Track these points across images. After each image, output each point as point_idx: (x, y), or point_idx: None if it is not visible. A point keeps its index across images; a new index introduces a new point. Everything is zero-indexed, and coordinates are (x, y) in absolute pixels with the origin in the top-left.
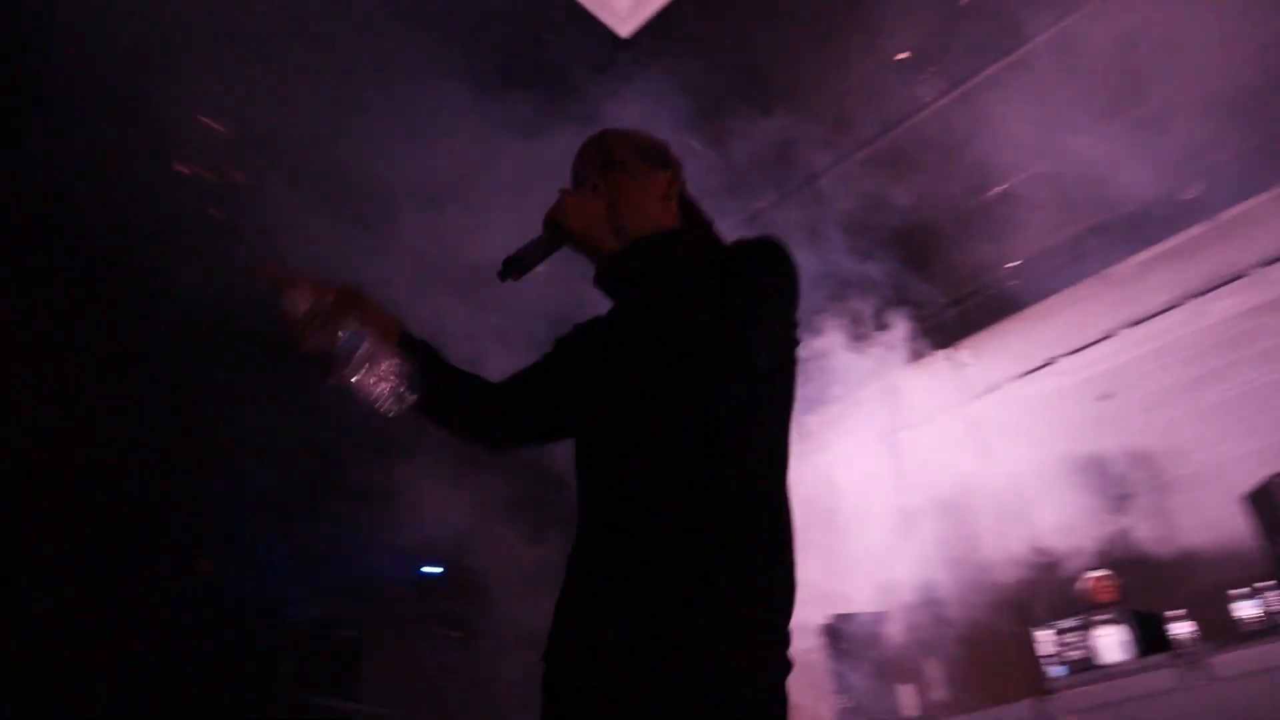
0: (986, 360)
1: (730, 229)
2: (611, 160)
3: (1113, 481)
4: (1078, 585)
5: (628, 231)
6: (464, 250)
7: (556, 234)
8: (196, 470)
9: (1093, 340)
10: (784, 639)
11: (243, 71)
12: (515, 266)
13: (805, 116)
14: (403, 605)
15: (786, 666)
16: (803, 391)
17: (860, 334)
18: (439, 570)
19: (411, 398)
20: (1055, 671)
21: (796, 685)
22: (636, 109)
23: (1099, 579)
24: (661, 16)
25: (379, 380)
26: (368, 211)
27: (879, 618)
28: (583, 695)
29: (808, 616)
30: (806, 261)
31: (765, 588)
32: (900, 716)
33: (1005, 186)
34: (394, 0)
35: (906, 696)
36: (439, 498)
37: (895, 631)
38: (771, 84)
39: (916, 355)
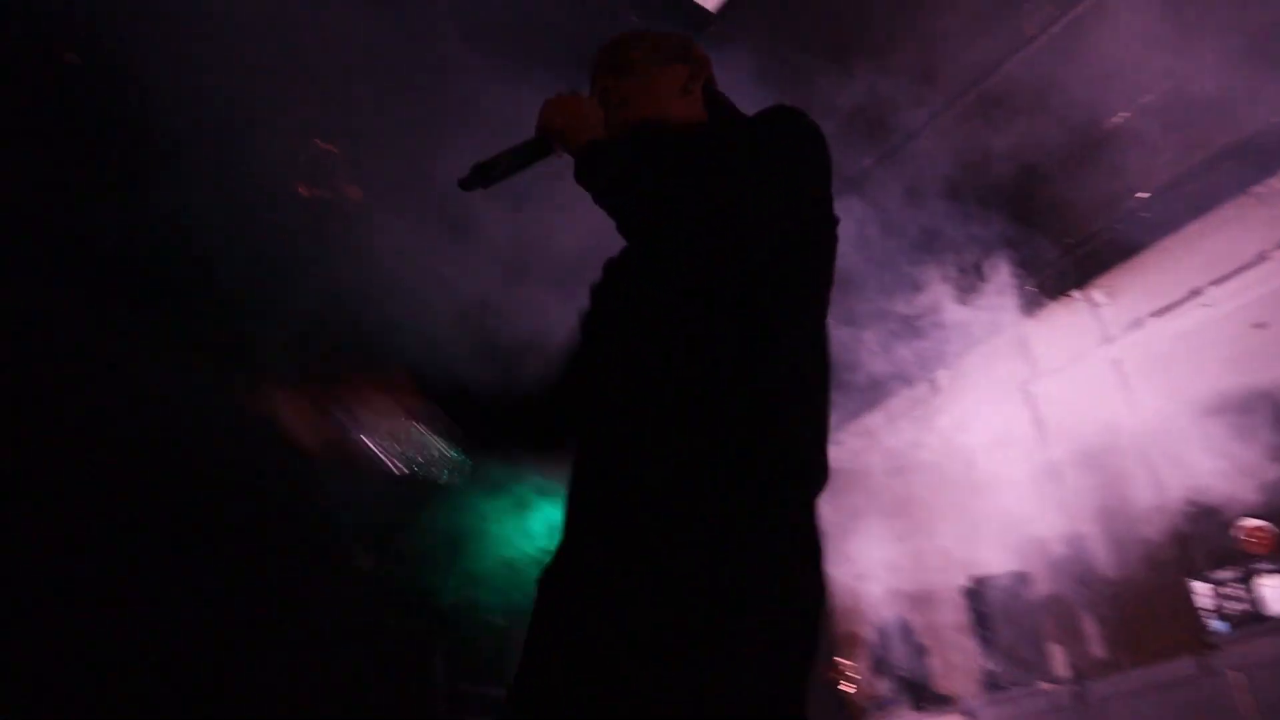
0: (1123, 299)
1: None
2: (622, 63)
3: (1274, 418)
4: (1233, 534)
5: (637, 132)
6: (552, 245)
7: (535, 139)
8: (345, 462)
9: (1243, 265)
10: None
11: (331, 96)
12: (482, 173)
13: (897, 73)
14: None
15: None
16: (926, 348)
17: (980, 286)
18: None
19: (455, 465)
20: (1216, 625)
21: (941, 651)
22: (729, 79)
23: (1255, 529)
24: None
25: (412, 449)
26: (455, 215)
27: (1022, 578)
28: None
29: (947, 580)
30: (914, 219)
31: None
32: (1052, 677)
33: (1119, 119)
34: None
35: (1057, 657)
36: None
37: (1041, 591)
38: (859, 43)
39: (1045, 301)
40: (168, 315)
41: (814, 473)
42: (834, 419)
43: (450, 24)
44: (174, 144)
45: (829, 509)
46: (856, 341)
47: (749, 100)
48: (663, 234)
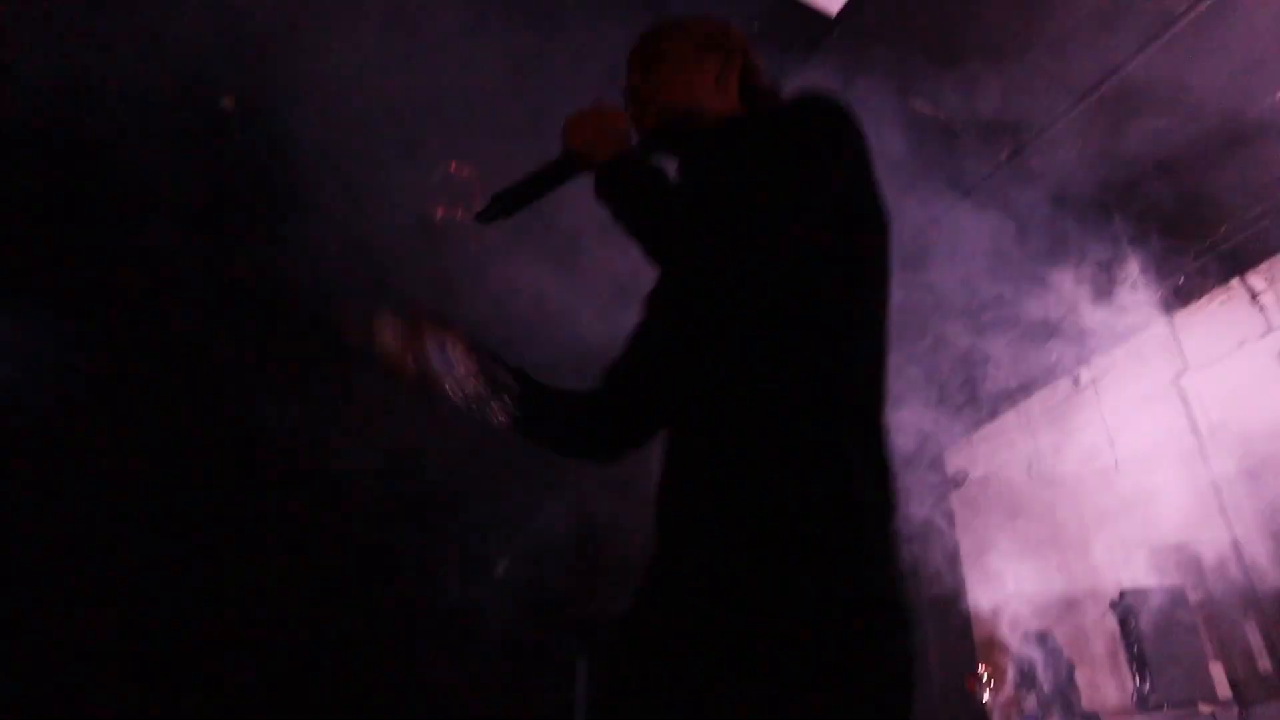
0: None
1: (957, 196)
2: (653, 56)
3: None
4: None
5: (668, 128)
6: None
7: (557, 160)
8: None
9: None
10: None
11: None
12: (501, 203)
13: (1022, 74)
14: None
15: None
16: (1069, 349)
17: (1122, 284)
18: None
19: (510, 404)
20: None
21: (1090, 668)
22: (849, 82)
23: None
24: None
25: (478, 389)
26: (556, 245)
27: (1178, 592)
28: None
29: (1097, 593)
30: (1051, 219)
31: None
32: (1213, 698)
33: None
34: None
35: (1217, 677)
36: None
37: (1200, 606)
38: (981, 46)
39: (1195, 295)
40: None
41: (869, 479)
42: (971, 424)
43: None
44: (310, 184)
45: (973, 509)
46: (994, 344)
47: (870, 108)
48: (678, 257)
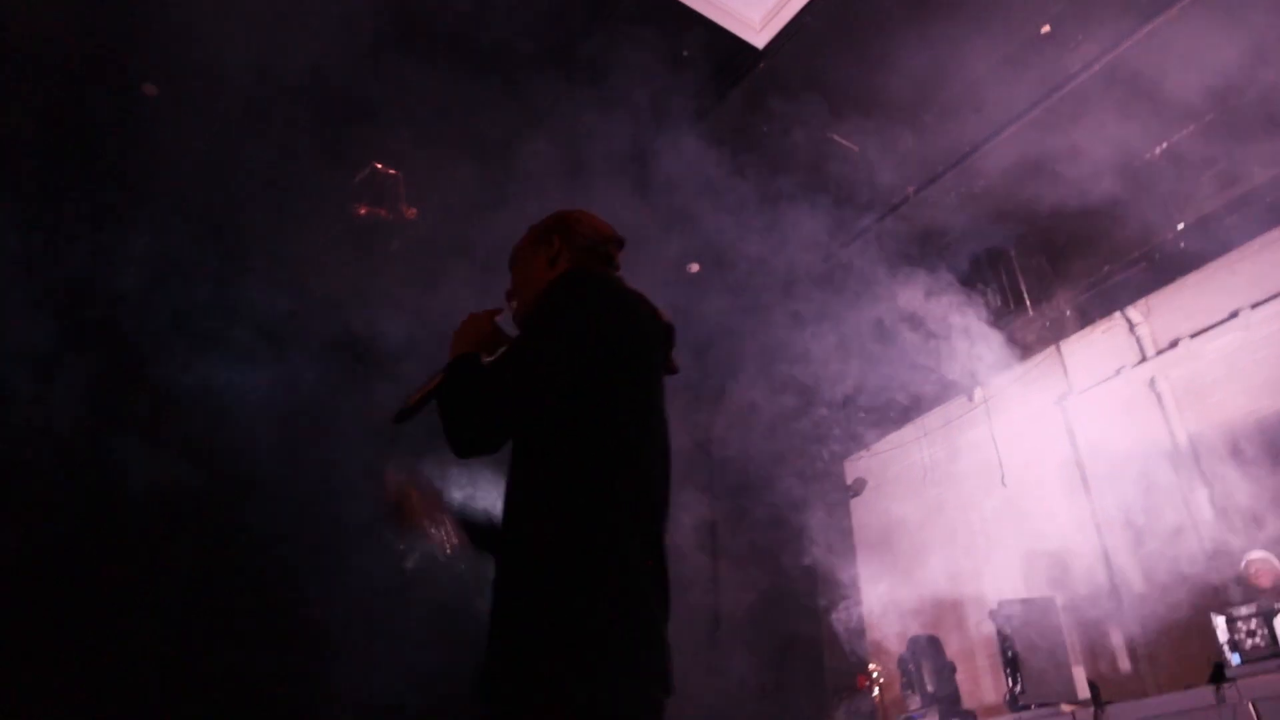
0: (1158, 320)
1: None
2: (511, 262)
3: None
4: (1244, 569)
5: (527, 308)
6: None
7: (439, 372)
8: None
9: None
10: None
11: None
12: (402, 414)
13: (932, 114)
14: None
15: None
16: (966, 367)
17: (1016, 310)
18: None
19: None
20: (1234, 658)
21: (971, 671)
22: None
23: (1262, 563)
24: (793, 24)
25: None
26: None
27: (1048, 600)
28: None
29: (977, 599)
30: (954, 246)
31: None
32: (1074, 699)
33: (1164, 145)
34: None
35: (1079, 678)
36: None
37: (1068, 613)
38: (897, 87)
39: (1081, 324)
40: None
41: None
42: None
43: None
44: None
45: (870, 516)
46: (896, 358)
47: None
48: (452, 440)
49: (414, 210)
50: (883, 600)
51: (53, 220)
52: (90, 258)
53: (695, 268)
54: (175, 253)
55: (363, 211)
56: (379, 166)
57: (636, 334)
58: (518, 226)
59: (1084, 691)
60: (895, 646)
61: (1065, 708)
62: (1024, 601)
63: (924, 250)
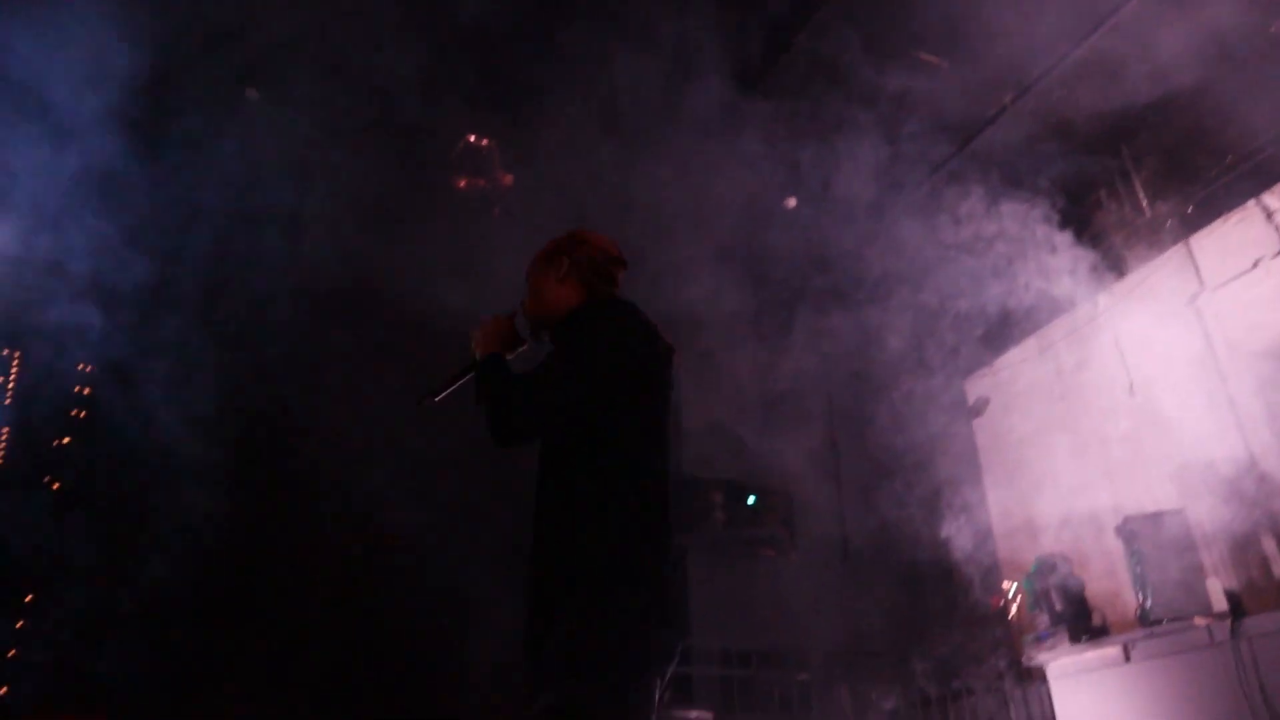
0: None
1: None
2: (527, 278)
3: None
4: None
5: (543, 323)
6: None
7: (466, 361)
8: None
9: None
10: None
11: None
12: (431, 395)
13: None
14: (724, 532)
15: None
16: (1088, 274)
17: (1135, 208)
18: (753, 499)
19: None
20: None
21: (1100, 586)
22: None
23: None
24: None
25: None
26: None
27: (1176, 514)
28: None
29: (1108, 514)
30: (1061, 153)
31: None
32: (1209, 612)
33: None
34: None
35: (1215, 590)
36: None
37: (1203, 524)
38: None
39: (1210, 217)
40: None
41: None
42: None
43: None
44: None
45: (995, 436)
46: (1015, 272)
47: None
48: (496, 430)
49: (510, 177)
50: (1011, 520)
51: None
52: None
53: (793, 202)
54: None
55: (462, 184)
56: (472, 139)
57: (655, 358)
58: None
59: (1220, 604)
60: (1025, 566)
61: (1199, 621)
62: (1152, 515)
63: (1033, 161)
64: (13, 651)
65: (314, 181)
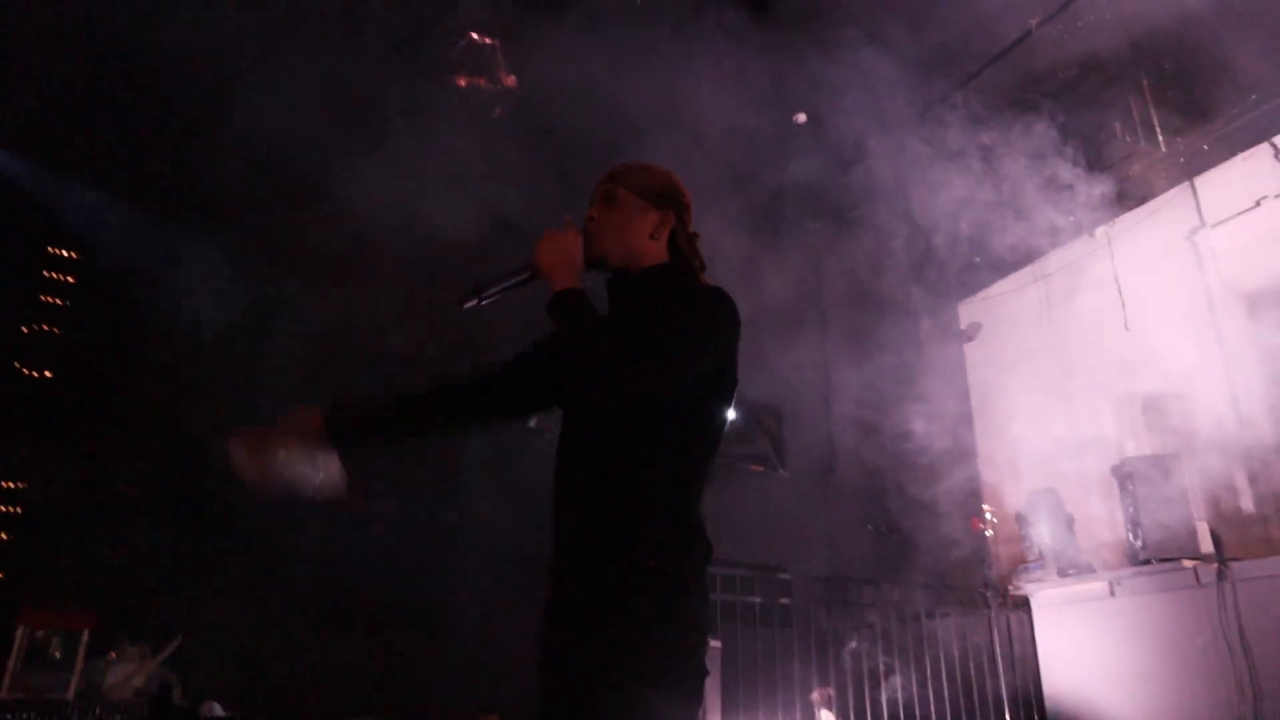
0: None
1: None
2: (609, 197)
3: None
4: None
5: (607, 260)
6: None
7: (525, 269)
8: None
9: None
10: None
11: None
12: (477, 293)
13: None
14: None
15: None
16: (1088, 204)
17: (1149, 137)
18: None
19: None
20: None
21: (1089, 521)
22: None
23: None
24: None
25: (327, 476)
26: None
27: (1171, 458)
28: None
29: (1098, 450)
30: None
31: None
32: (1197, 554)
33: None
34: None
35: (1203, 533)
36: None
37: (1194, 464)
38: None
39: (1219, 155)
40: None
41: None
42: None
43: None
44: None
45: (982, 367)
46: (1014, 197)
47: None
48: (574, 375)
49: (513, 78)
50: (996, 447)
51: None
52: None
53: (802, 118)
54: None
55: (462, 83)
56: (475, 36)
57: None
58: None
59: (1207, 546)
60: (1012, 499)
61: (1187, 563)
62: (1151, 458)
63: (1049, 86)
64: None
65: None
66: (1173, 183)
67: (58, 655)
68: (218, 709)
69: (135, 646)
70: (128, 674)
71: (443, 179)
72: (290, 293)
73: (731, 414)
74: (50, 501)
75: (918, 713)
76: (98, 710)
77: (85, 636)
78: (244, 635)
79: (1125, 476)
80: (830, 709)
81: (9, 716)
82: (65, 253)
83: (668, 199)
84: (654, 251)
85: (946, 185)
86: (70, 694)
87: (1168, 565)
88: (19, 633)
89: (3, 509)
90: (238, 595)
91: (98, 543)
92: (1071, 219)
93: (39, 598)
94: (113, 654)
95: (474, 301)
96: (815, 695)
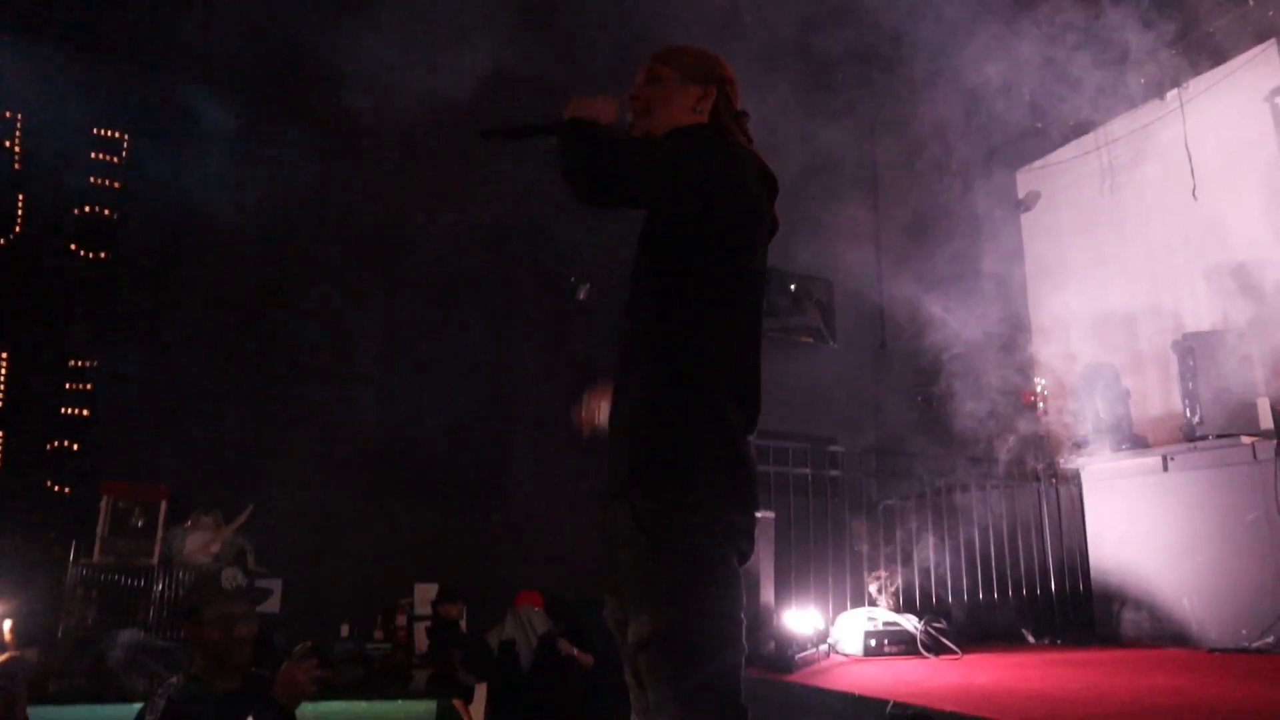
0: None
1: None
2: (653, 75)
3: None
4: None
5: (651, 134)
6: None
7: (550, 119)
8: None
9: None
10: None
11: None
12: (501, 131)
13: None
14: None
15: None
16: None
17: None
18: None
19: None
20: None
21: (1143, 395)
22: None
23: None
24: None
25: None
26: None
27: (1234, 334)
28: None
29: (1159, 318)
30: None
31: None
32: (1256, 430)
33: None
34: None
35: (1263, 410)
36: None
37: (1260, 338)
38: None
39: None
40: None
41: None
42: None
43: None
44: None
45: (1040, 236)
46: (1077, 56)
47: None
48: (588, 175)
49: None
50: (1050, 318)
51: None
52: None
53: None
54: None
55: None
56: None
57: (754, 185)
58: None
59: (1267, 422)
60: (1060, 365)
61: (1245, 439)
62: (1212, 333)
63: None
64: (85, 411)
65: None
66: (1257, 40)
67: (139, 524)
68: (240, 576)
69: (210, 515)
70: (205, 541)
71: None
72: (344, 170)
73: (792, 286)
74: (119, 378)
75: (965, 581)
76: (179, 574)
77: (163, 506)
78: (311, 507)
79: (1186, 351)
80: (885, 593)
81: (103, 577)
82: (111, 133)
83: (710, 75)
84: (692, 123)
85: (1007, 43)
86: (155, 559)
87: (1225, 441)
88: (103, 503)
89: (75, 386)
90: (305, 468)
91: (168, 419)
92: (1142, 80)
93: (116, 471)
94: (189, 522)
95: (497, 136)
96: (873, 581)
